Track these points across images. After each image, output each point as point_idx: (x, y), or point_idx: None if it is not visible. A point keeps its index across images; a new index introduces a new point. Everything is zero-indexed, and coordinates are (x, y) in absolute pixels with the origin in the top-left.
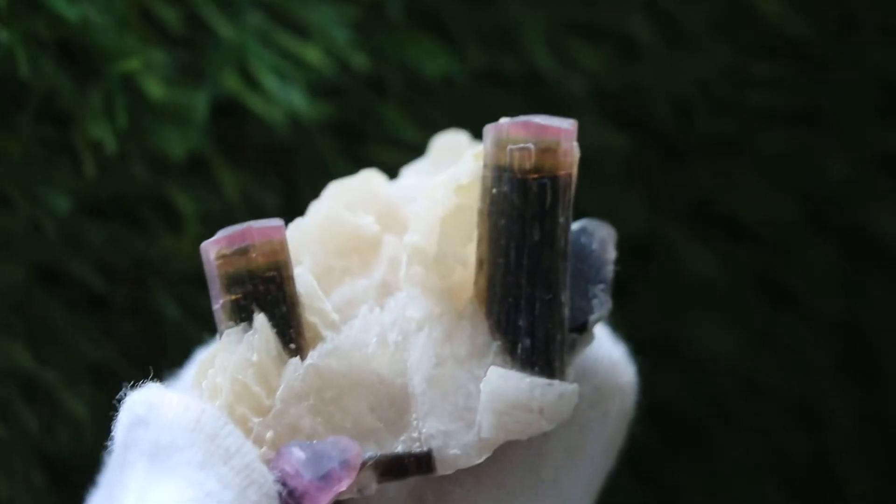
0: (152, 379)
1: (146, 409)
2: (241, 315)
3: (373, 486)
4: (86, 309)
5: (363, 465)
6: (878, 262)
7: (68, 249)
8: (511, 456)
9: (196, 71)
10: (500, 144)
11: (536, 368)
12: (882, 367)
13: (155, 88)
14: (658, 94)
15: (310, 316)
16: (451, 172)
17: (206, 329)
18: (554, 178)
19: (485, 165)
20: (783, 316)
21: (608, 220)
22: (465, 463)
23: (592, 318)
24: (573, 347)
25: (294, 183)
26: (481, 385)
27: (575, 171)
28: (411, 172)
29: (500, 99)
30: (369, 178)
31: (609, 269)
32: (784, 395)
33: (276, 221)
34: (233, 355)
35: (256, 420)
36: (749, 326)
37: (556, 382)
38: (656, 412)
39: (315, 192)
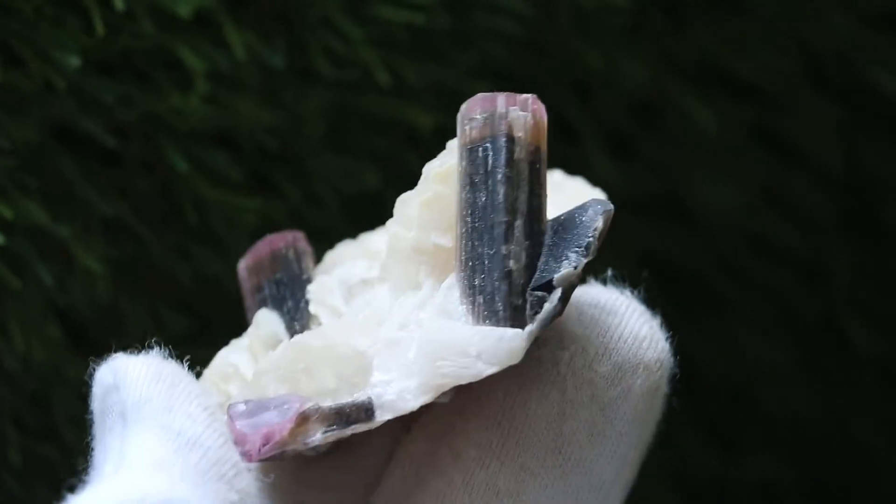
0: (166, 234)
1: (113, 375)
2: None
3: (318, 436)
4: (98, 166)
5: (307, 417)
6: (877, 117)
7: (79, 107)
8: (531, 436)
9: None
10: (461, 126)
11: (487, 322)
12: (882, 222)
13: None
14: None
15: (314, 308)
16: (432, 162)
17: (214, 184)
18: (494, 140)
19: (457, 152)
20: (785, 171)
21: (611, 78)
22: (402, 407)
23: (557, 276)
24: (540, 304)
25: (300, 43)
26: (416, 334)
27: (521, 133)
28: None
29: None
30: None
31: (590, 237)
32: (788, 250)
33: (291, 234)
34: (231, 346)
35: (236, 392)
36: (752, 182)
37: (496, 328)
38: (663, 269)
39: (321, 52)
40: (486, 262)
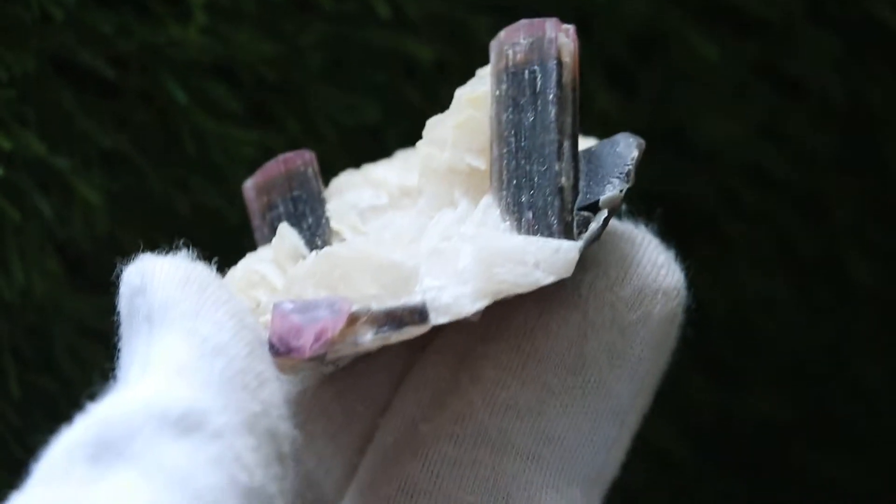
0: (160, 161)
1: (140, 277)
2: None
3: (368, 337)
4: (96, 97)
5: (357, 318)
6: (880, 51)
7: (78, 38)
8: (552, 357)
9: None
10: (499, 52)
11: (539, 236)
12: (883, 156)
13: None
14: None
15: (336, 224)
16: (463, 88)
17: (213, 116)
18: (542, 64)
19: (491, 77)
20: (787, 105)
21: (613, 11)
22: (458, 311)
23: (603, 198)
24: (585, 224)
25: None
26: (469, 244)
27: (568, 59)
28: None
29: None
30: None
31: (629, 165)
32: (789, 184)
33: (306, 152)
34: (252, 257)
35: (265, 298)
36: (754, 116)
37: (552, 239)
38: (664, 203)
39: None
40: (537, 179)
